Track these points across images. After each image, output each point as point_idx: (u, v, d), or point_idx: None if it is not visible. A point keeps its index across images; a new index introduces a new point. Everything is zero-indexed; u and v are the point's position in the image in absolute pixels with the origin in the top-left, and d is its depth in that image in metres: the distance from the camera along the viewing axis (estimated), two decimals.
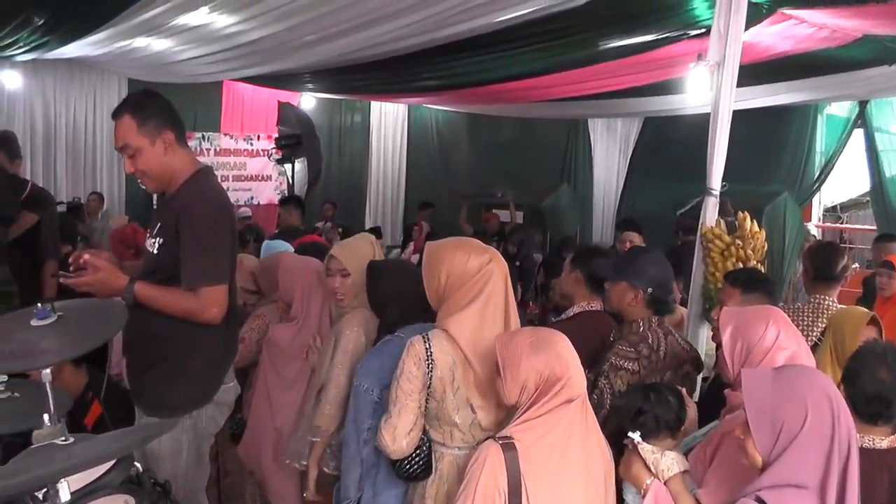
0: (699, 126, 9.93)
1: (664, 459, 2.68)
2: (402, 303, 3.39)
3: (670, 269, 3.74)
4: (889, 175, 9.92)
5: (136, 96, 3.39)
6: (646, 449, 2.72)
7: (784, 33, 6.49)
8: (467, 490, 2.58)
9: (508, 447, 2.55)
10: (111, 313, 2.69)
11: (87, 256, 3.15)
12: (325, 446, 3.59)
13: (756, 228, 4.66)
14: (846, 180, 11.45)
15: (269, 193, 14.15)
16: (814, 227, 11.38)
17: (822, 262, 4.37)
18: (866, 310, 3.71)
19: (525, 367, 2.61)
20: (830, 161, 10.68)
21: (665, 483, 2.66)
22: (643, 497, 2.69)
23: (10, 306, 5.14)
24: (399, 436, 2.92)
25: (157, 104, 3.28)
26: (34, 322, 2.46)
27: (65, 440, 2.20)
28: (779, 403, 2.23)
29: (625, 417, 2.82)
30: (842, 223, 13.39)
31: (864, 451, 2.57)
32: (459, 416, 2.95)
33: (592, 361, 3.50)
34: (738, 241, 4.57)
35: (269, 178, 13.74)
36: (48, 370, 2.34)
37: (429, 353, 2.93)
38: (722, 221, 4.71)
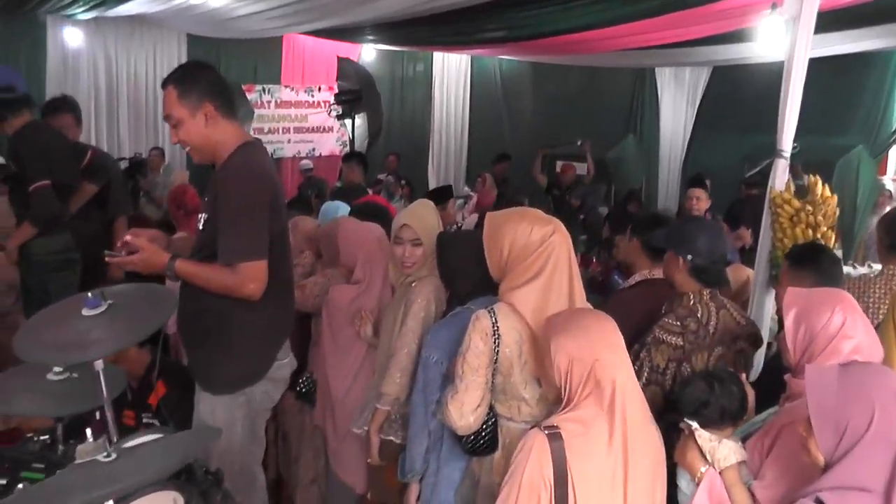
0: (770, 76, 9.66)
1: (721, 448, 2.60)
2: (473, 275, 3.30)
3: (723, 241, 3.59)
4: None
5: (183, 67, 3.39)
6: (703, 436, 2.64)
7: None
8: (513, 480, 2.54)
9: (555, 437, 2.50)
10: (161, 299, 2.68)
11: (128, 238, 3.17)
12: (389, 414, 3.57)
13: (827, 193, 4.46)
14: None
15: (330, 145, 14.15)
16: (890, 182, 10.99)
17: None
18: None
19: (555, 348, 2.57)
20: None
21: (720, 473, 2.57)
22: (697, 485, 2.61)
23: (73, 272, 5.21)
24: (466, 412, 2.89)
25: (202, 76, 3.26)
26: (85, 311, 2.45)
27: (107, 457, 2.14)
28: (844, 404, 2.10)
29: (687, 408, 2.71)
30: None
31: None
32: (527, 390, 2.92)
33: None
34: (808, 207, 4.39)
35: (330, 129, 13.67)
36: (100, 361, 2.32)
37: (495, 328, 2.89)
38: (792, 185, 4.53)
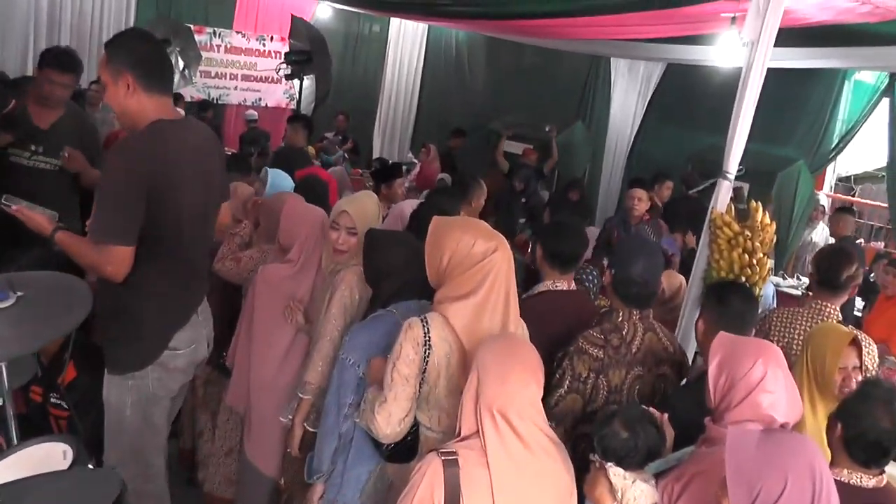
0: (723, 78, 9.83)
1: (633, 488, 2.61)
2: (399, 278, 3.27)
3: (655, 267, 3.55)
4: None
5: (121, 33, 3.37)
6: (617, 473, 2.64)
7: (824, 4, 6.25)
8: (405, 499, 2.54)
9: (450, 463, 2.48)
10: (76, 296, 2.57)
11: (14, 208, 3.16)
12: (312, 404, 3.54)
13: (767, 220, 4.48)
14: (863, 151, 11.14)
15: (277, 96, 13.93)
16: (824, 197, 11.19)
17: (829, 267, 4.19)
18: (846, 329, 3.51)
19: (472, 379, 2.58)
20: (852, 129, 10.30)
21: None
22: None
23: None
24: (394, 422, 2.86)
25: (132, 45, 3.20)
26: None
27: None
28: (759, 469, 2.15)
29: (608, 455, 2.70)
30: (853, 195, 13.21)
31: (849, 489, 2.54)
32: (450, 401, 2.89)
33: (554, 348, 3.40)
34: (746, 232, 4.41)
35: (279, 81, 13.38)
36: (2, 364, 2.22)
37: (427, 338, 2.85)
38: (733, 208, 4.54)
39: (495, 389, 2.50)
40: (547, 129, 11.20)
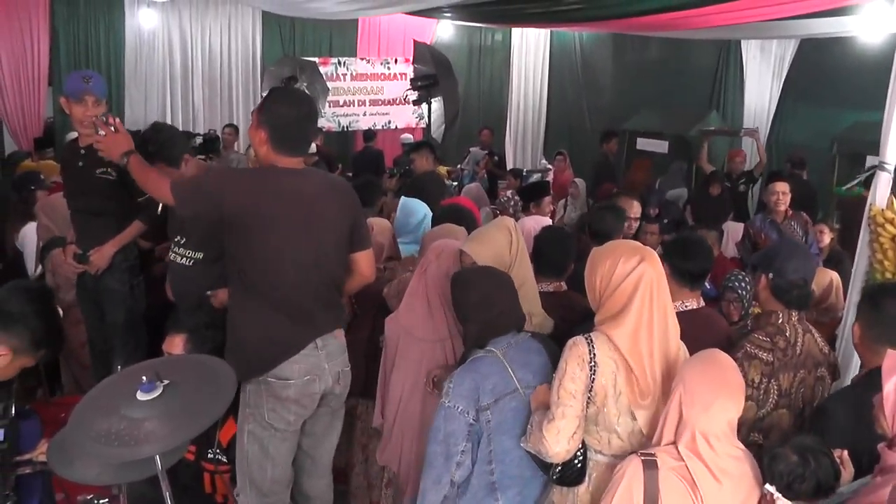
0: (864, 49, 9.30)
1: None
2: (485, 314, 3.22)
3: (809, 264, 3.57)
4: None
5: (273, 94, 3.79)
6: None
7: None
8: (605, 499, 2.69)
9: (650, 464, 2.61)
10: (221, 378, 2.59)
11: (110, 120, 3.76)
12: None
13: None
14: None
15: (407, 118, 14.07)
16: None
17: None
18: None
19: (675, 392, 2.70)
20: None
21: None
22: None
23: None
24: (563, 439, 2.86)
25: (276, 109, 3.51)
26: (140, 396, 2.37)
27: None
28: None
29: (778, 481, 2.62)
30: None
31: None
32: (620, 423, 2.90)
33: None
34: None
35: (406, 102, 13.52)
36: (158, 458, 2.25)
37: (592, 355, 2.86)
38: (895, 201, 4.27)
39: (699, 414, 2.61)
40: (742, 134, 10.76)
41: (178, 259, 4.54)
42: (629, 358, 2.85)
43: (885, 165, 4.20)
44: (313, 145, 10.37)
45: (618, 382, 2.86)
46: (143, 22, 11.36)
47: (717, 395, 2.62)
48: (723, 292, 4.93)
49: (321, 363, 3.54)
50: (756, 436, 3.29)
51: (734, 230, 7.51)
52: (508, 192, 8.62)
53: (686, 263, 3.78)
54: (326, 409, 3.71)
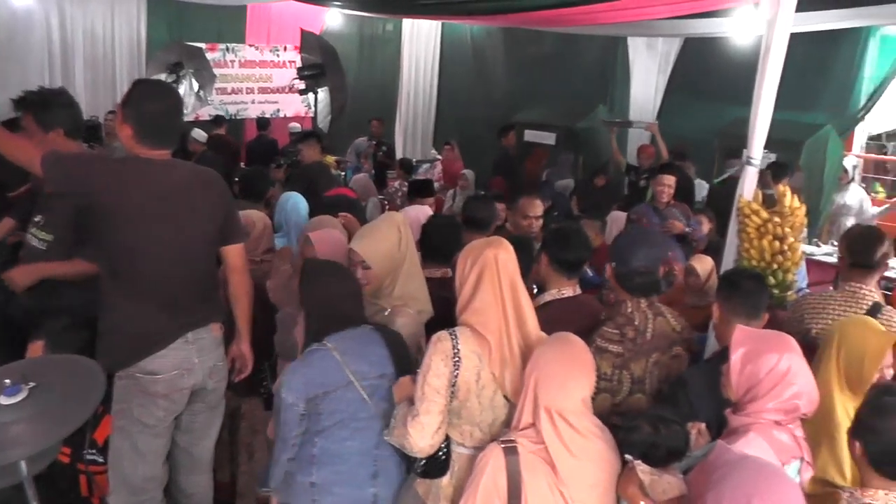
0: (743, 48, 9.62)
1: (661, 483, 2.68)
2: (327, 309, 3.27)
3: (655, 253, 3.66)
4: None
5: (136, 87, 3.60)
6: (644, 470, 2.72)
7: None
8: (469, 490, 2.74)
9: (510, 450, 2.68)
10: (91, 379, 2.55)
11: None
12: None
13: (796, 204, 4.38)
14: (894, 107, 10.85)
15: (296, 106, 13.94)
16: (854, 158, 10.96)
17: (861, 248, 4.12)
18: (883, 330, 3.41)
19: (529, 377, 2.77)
20: (881, 87, 9.99)
21: None
22: None
23: None
24: (427, 434, 2.93)
25: (141, 104, 3.45)
26: (3, 400, 2.30)
27: None
28: (709, 484, 2.28)
29: (633, 450, 2.77)
30: (885, 153, 12.92)
31: None
32: (483, 416, 2.98)
33: None
34: (775, 219, 4.32)
35: (294, 90, 13.40)
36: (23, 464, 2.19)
37: (455, 350, 2.92)
38: (760, 194, 4.44)
39: (555, 394, 2.70)
40: (636, 126, 10.84)
41: (34, 241, 4.27)
42: (487, 335, 2.93)
43: (752, 160, 4.37)
44: (218, 133, 10.20)
45: (481, 377, 2.93)
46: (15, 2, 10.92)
47: (570, 374, 2.71)
48: (603, 281, 5.08)
49: (191, 357, 3.52)
50: (615, 419, 3.36)
51: (618, 219, 7.70)
52: (396, 183, 8.67)
53: (562, 253, 3.87)
54: (203, 405, 3.70)
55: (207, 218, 3.55)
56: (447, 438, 3.04)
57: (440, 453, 3.02)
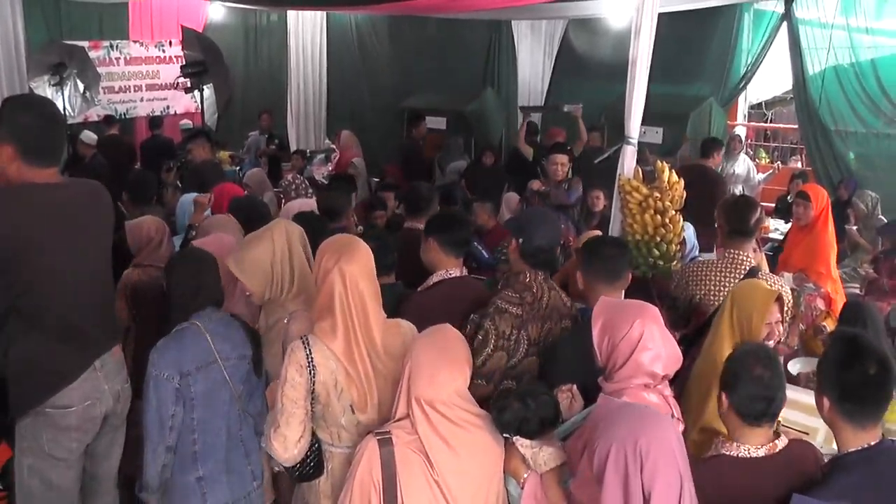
0: (622, 29, 9.85)
1: (541, 454, 2.77)
2: (189, 291, 3.32)
3: (556, 231, 3.91)
4: (811, 73, 9.76)
5: (7, 103, 3.34)
6: (524, 444, 2.80)
7: None
8: (347, 483, 2.76)
9: (385, 442, 2.70)
10: None
11: None
12: None
13: (675, 178, 4.56)
14: (772, 77, 11.28)
15: (185, 103, 13.67)
16: (741, 128, 11.37)
17: (737, 217, 4.31)
18: (768, 287, 3.69)
19: (405, 368, 2.80)
20: (758, 58, 10.48)
21: (541, 476, 2.77)
22: (522, 489, 2.80)
23: None
24: (290, 445, 2.97)
25: (16, 118, 3.19)
26: None
27: None
28: (596, 431, 2.36)
29: (507, 429, 2.84)
30: (767, 121, 13.41)
31: (741, 461, 2.72)
32: (345, 418, 3.02)
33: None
34: (655, 193, 4.48)
35: (179, 87, 13.12)
36: None
37: (310, 360, 2.95)
38: (640, 170, 4.61)
39: (424, 386, 2.71)
40: (566, 110, 10.27)
41: None
42: (341, 357, 2.97)
43: (630, 140, 4.55)
44: (111, 134, 9.91)
45: (339, 381, 2.97)
46: None
47: (440, 365, 2.74)
48: (498, 260, 5.22)
49: (101, 385, 3.40)
50: (509, 382, 3.54)
51: (510, 200, 7.85)
52: (290, 176, 8.62)
53: (445, 235, 4.01)
54: (108, 428, 3.57)
55: (105, 237, 3.45)
56: (318, 441, 3.09)
57: (308, 460, 3.06)
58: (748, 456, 2.72)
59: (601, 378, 2.95)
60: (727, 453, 2.74)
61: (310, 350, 2.95)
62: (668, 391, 2.98)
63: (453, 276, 4.00)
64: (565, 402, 3.03)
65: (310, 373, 2.94)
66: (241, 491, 3.34)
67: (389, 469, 2.68)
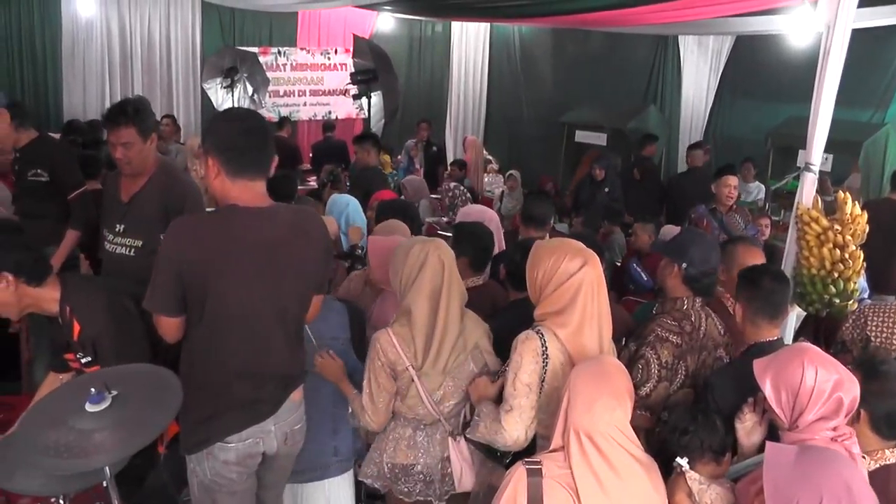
0: (796, 46, 9.47)
1: (709, 492, 2.71)
2: None
3: (716, 253, 3.72)
4: None
5: (216, 117, 3.41)
6: (693, 478, 2.75)
7: None
8: None
9: (533, 472, 2.64)
10: (167, 389, 2.58)
11: None
12: None
13: (857, 211, 4.33)
14: None
15: (347, 108, 14.01)
16: None
17: None
18: None
19: (564, 395, 2.73)
20: None
21: None
22: None
23: None
24: (521, 427, 3.06)
25: (220, 130, 3.11)
26: (89, 407, 2.37)
27: None
28: (794, 485, 2.28)
29: (670, 435, 2.85)
30: None
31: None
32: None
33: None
34: (836, 226, 4.27)
35: (347, 93, 13.46)
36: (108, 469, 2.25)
37: (544, 348, 3.03)
38: (820, 201, 4.40)
39: (581, 414, 2.63)
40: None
41: (118, 249, 4.27)
42: (572, 352, 3.02)
43: (811, 167, 4.34)
44: (278, 135, 10.31)
45: (566, 374, 2.95)
46: (80, 9, 11.24)
47: (599, 396, 2.62)
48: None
49: (267, 426, 3.18)
50: (665, 415, 3.41)
51: (671, 234, 7.68)
52: (451, 184, 8.68)
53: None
54: (275, 465, 3.39)
55: (305, 271, 3.16)
56: (534, 435, 3.13)
57: (527, 449, 3.10)
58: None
59: (783, 431, 2.77)
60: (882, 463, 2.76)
61: (544, 339, 3.05)
62: (857, 448, 2.72)
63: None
64: (748, 424, 2.92)
65: (544, 361, 3.04)
66: (318, 461, 3.62)
67: (535, 500, 2.61)
